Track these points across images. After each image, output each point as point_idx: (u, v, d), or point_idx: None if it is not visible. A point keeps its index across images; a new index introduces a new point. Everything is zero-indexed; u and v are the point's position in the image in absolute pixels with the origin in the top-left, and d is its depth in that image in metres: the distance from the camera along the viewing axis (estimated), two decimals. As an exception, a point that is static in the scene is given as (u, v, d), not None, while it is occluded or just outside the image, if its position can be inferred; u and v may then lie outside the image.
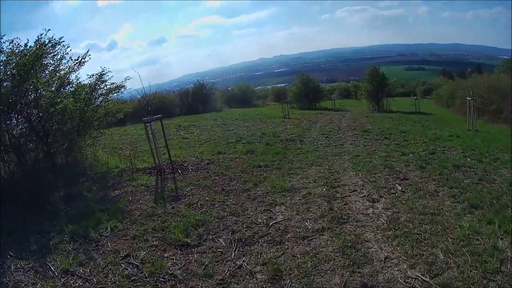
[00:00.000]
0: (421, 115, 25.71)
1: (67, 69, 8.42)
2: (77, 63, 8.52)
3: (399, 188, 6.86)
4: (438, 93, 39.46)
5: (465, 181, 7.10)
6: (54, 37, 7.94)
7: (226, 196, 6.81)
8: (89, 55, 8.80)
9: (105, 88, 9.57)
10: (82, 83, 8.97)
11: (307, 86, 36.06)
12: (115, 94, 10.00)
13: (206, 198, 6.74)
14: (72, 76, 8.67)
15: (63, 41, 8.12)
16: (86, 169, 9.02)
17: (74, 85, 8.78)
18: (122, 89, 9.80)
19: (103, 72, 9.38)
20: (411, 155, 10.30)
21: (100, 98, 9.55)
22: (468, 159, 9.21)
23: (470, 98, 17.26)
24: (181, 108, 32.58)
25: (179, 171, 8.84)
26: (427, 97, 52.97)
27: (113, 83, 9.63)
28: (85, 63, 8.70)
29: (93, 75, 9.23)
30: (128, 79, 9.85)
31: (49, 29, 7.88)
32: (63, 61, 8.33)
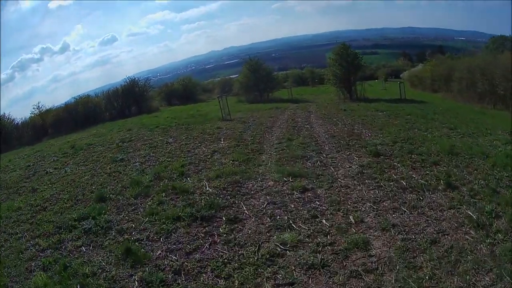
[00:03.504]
0: (414, 104, 18.54)
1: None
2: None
3: None
4: (417, 75, 32.72)
5: None
6: None
7: None
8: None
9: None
10: None
11: (257, 74, 27.91)
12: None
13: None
14: None
15: None
16: None
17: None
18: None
19: None
20: None
21: None
22: None
23: None
24: (111, 112, 26.30)
25: None
26: (393, 80, 47.07)
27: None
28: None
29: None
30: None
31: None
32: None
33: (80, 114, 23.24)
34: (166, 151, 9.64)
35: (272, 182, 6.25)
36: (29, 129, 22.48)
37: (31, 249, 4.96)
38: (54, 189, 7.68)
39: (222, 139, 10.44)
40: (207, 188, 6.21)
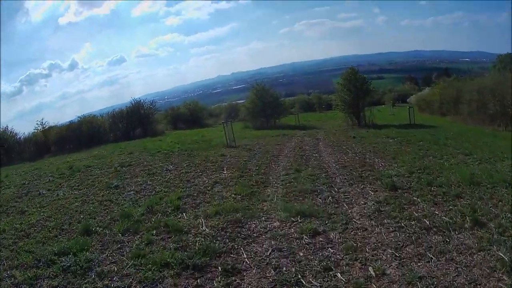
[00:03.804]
0: (424, 129, 17.68)
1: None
2: None
3: None
4: (425, 98, 31.96)
5: None
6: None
7: None
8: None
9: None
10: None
11: (264, 100, 27.27)
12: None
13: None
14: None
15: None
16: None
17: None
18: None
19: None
20: None
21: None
22: None
23: None
24: (116, 133, 25.35)
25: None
26: (400, 104, 46.54)
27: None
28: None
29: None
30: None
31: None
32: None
33: (84, 134, 22.68)
34: (164, 180, 8.91)
35: (278, 223, 5.44)
36: (31, 145, 21.97)
37: (6, 281, 4.30)
38: (42, 213, 7.01)
39: (225, 168, 9.69)
40: (204, 228, 5.41)
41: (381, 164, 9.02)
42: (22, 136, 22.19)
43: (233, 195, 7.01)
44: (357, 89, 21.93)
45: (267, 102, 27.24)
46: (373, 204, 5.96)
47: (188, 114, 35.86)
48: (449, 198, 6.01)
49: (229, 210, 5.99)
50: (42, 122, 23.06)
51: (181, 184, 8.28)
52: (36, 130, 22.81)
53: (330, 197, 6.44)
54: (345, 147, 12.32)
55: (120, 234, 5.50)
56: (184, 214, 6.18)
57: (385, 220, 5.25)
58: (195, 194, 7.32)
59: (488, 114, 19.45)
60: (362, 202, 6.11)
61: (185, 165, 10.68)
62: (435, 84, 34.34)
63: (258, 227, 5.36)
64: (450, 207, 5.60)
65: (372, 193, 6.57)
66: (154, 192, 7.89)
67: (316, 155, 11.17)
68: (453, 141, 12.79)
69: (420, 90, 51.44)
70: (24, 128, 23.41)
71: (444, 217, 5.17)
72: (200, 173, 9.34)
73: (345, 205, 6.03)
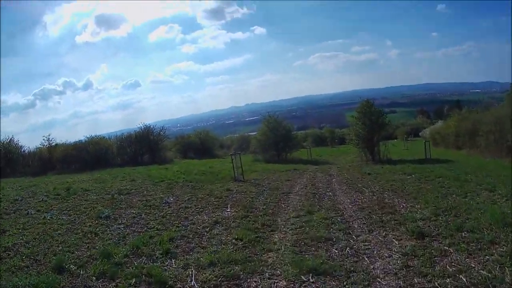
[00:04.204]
0: (441, 164, 16.37)
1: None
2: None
3: None
4: (440, 132, 30.81)
5: None
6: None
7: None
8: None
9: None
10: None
11: (276, 132, 26.37)
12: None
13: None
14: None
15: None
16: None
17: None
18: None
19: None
20: None
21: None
22: None
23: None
24: (123, 157, 24.66)
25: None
26: (413, 138, 45.45)
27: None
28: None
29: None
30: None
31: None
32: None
33: (91, 155, 22.03)
34: (161, 214, 7.97)
35: (285, 282, 4.38)
36: (35, 160, 21.44)
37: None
38: (22, 237, 6.30)
39: (229, 206, 8.70)
40: (193, 283, 4.41)
41: (403, 205, 7.96)
42: (27, 150, 21.88)
43: (233, 240, 5.99)
44: (372, 122, 20.76)
45: (279, 134, 26.27)
46: (399, 257, 4.93)
47: (199, 143, 34.89)
48: (484, 245, 5.10)
49: (226, 260, 4.97)
50: (48, 138, 22.52)
51: (177, 222, 7.32)
52: (42, 146, 22.32)
53: (348, 248, 5.38)
54: (361, 185, 11.25)
55: (94, 278, 4.64)
56: (173, 260, 5.19)
57: (415, 279, 4.24)
58: (191, 236, 6.33)
59: (506, 145, 18.34)
60: (386, 255, 5.06)
61: (186, 198, 9.77)
62: (449, 117, 33.38)
63: (260, 286, 4.33)
64: (487, 256, 4.71)
65: (397, 242, 5.53)
66: (146, 228, 6.96)
67: (330, 193, 10.10)
68: (473, 176, 11.70)
69: (433, 124, 50.57)
70: (34, 142, 22.97)
71: (481, 271, 4.27)
72: (201, 210, 8.39)
73: (366, 258, 4.98)
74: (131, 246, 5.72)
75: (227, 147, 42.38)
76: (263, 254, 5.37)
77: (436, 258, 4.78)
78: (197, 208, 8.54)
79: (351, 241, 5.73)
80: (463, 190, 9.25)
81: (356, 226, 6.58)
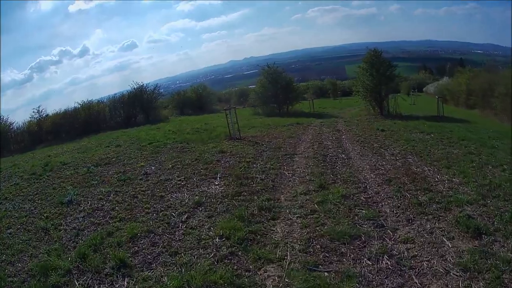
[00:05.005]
0: (457, 124, 14.60)
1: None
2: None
3: None
4: (450, 89, 28.70)
5: None
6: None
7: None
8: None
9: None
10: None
11: (276, 84, 24.05)
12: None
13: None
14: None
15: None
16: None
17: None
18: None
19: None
20: None
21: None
22: None
23: None
24: (117, 119, 23.17)
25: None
26: (417, 93, 43.17)
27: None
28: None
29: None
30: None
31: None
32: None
33: (81, 121, 20.55)
34: (131, 194, 6.19)
35: None
36: (25, 135, 19.73)
37: None
38: None
39: (218, 175, 6.87)
40: None
41: (437, 177, 6.12)
42: (15, 126, 19.93)
43: (217, 238, 4.17)
44: (380, 74, 18.67)
45: (279, 86, 24.05)
46: (459, 274, 3.21)
47: (195, 99, 32.99)
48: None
49: (201, 285, 3.17)
50: (38, 110, 20.69)
51: (148, 205, 5.52)
52: (32, 119, 20.50)
53: (385, 257, 3.56)
54: (377, 144, 9.37)
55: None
56: (125, 280, 3.42)
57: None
58: (159, 231, 4.53)
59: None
60: (441, 270, 3.29)
61: (170, 166, 8.03)
62: (455, 73, 31.11)
63: None
64: None
65: (449, 244, 3.75)
66: (107, 218, 5.18)
67: (343, 155, 8.20)
68: (498, 142, 9.90)
69: (436, 80, 48.21)
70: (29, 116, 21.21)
71: None
72: (184, 182, 6.58)
73: (414, 279, 3.19)
74: (77, 254, 3.99)
75: (225, 101, 40.43)
76: (259, 267, 3.57)
77: (504, 277, 3.10)
78: (179, 180, 6.75)
79: (387, 240, 3.93)
80: (497, 160, 7.45)
81: (387, 211, 4.74)
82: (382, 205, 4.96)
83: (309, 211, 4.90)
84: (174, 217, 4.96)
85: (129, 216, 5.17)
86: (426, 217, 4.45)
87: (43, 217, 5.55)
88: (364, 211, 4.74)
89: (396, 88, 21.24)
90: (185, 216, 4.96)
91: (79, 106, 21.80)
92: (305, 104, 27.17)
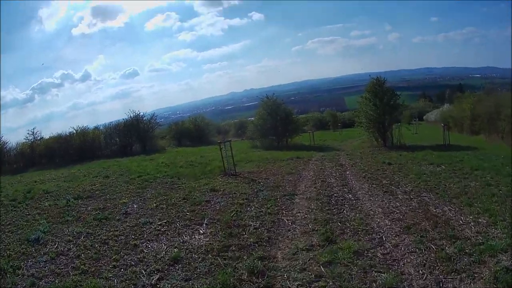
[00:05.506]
0: (465, 152, 13.79)
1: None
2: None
3: None
4: (453, 115, 28.32)
5: None
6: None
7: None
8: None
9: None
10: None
11: (274, 115, 23.29)
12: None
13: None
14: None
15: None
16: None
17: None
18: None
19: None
20: None
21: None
22: None
23: None
24: (112, 148, 22.48)
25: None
26: (417, 122, 42.84)
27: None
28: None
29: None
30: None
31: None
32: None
33: (75, 147, 20.05)
34: (103, 239, 5.29)
35: None
36: (17, 156, 19.35)
37: None
38: None
39: (205, 221, 5.94)
40: None
41: (461, 219, 5.24)
42: (8, 146, 19.48)
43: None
44: (384, 103, 17.92)
45: (279, 118, 23.32)
46: None
47: (194, 130, 32.46)
48: None
49: None
50: (33, 132, 20.20)
51: (117, 257, 4.61)
52: (26, 141, 19.97)
53: None
54: (386, 181, 8.46)
55: None
56: None
57: None
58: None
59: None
60: None
61: (154, 204, 7.22)
62: (459, 99, 30.64)
63: None
64: None
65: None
66: (70, 266, 4.33)
67: (350, 196, 7.27)
68: None
69: (436, 107, 47.81)
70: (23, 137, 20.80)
71: None
72: (164, 228, 5.69)
73: None
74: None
75: (224, 132, 39.91)
76: None
77: None
78: (160, 225, 5.85)
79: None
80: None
81: (412, 271, 3.78)
82: (403, 264, 4.01)
83: (313, 276, 3.90)
84: (143, 276, 4.01)
85: (93, 268, 4.30)
86: (458, 276, 3.55)
87: (5, 255, 4.87)
88: (383, 274, 3.76)
89: (398, 117, 20.55)
90: (157, 277, 4.01)
91: (74, 131, 21.21)
92: (305, 136, 26.39)
